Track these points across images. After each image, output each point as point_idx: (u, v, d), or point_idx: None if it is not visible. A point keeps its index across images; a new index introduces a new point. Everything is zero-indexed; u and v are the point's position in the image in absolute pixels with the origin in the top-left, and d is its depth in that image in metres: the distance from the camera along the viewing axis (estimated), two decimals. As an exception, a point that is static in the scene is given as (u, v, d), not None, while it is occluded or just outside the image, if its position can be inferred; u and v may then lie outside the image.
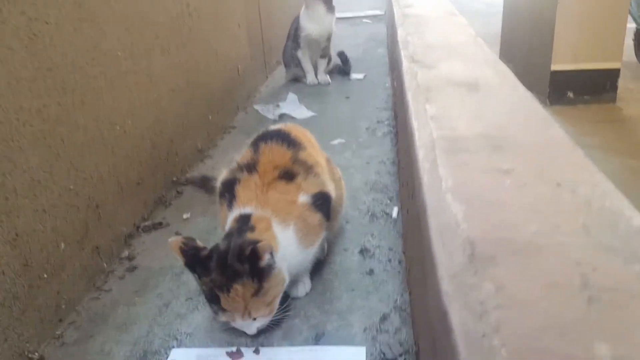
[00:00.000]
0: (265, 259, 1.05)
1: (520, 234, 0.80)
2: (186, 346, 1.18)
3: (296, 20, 3.20)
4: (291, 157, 1.30)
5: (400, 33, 2.25)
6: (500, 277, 0.70)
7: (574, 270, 0.72)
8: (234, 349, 1.14)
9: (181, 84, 1.99)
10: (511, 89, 1.45)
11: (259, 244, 1.05)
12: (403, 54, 1.89)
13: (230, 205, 1.24)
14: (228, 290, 1.05)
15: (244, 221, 1.15)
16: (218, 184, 1.35)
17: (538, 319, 0.63)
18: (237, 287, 1.05)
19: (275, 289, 1.12)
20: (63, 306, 1.26)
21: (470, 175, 0.98)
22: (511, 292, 0.68)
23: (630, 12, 4.24)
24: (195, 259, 1.09)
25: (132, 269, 1.47)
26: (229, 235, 1.13)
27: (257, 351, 1.14)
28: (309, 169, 1.30)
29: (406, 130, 1.37)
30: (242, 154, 1.36)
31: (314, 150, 1.40)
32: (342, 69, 3.41)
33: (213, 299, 1.08)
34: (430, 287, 0.78)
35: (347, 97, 2.95)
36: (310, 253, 1.26)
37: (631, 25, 4.44)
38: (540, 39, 4.13)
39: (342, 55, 3.41)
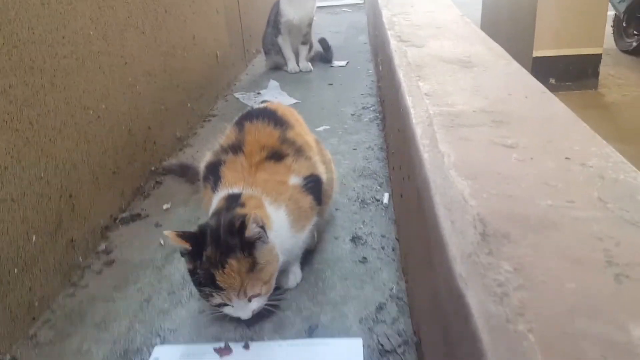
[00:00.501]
0: (254, 230, 0.98)
1: (534, 210, 0.74)
2: (170, 343, 1.10)
3: (276, 6, 3.11)
4: (279, 136, 1.22)
5: (385, 14, 2.18)
6: (518, 255, 0.64)
7: (596, 246, 0.66)
8: (222, 344, 1.07)
9: (158, 68, 1.89)
10: (505, 65, 1.39)
11: (248, 216, 0.98)
12: (390, 34, 1.82)
13: (215, 187, 1.16)
14: (223, 266, 0.97)
15: (234, 199, 1.08)
16: (201, 167, 1.27)
17: (564, 300, 0.57)
18: (232, 262, 0.98)
19: (270, 266, 1.04)
20: (36, 304, 1.17)
21: (473, 151, 0.92)
22: (531, 272, 0.61)
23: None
24: (198, 243, 1.01)
25: (110, 262, 1.38)
26: (216, 214, 1.06)
27: (246, 346, 1.06)
28: (298, 149, 1.23)
29: (399, 110, 1.30)
30: (226, 135, 1.28)
31: (302, 130, 1.32)
32: (324, 56, 3.33)
33: (208, 279, 0.99)
34: (439, 270, 0.71)
35: (330, 84, 2.88)
36: (301, 238, 1.19)
37: (610, 13, 4.44)
38: (521, 26, 4.10)
39: (323, 42, 3.33)
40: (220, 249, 0.98)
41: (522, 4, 4.07)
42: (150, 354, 1.06)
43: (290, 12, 3.00)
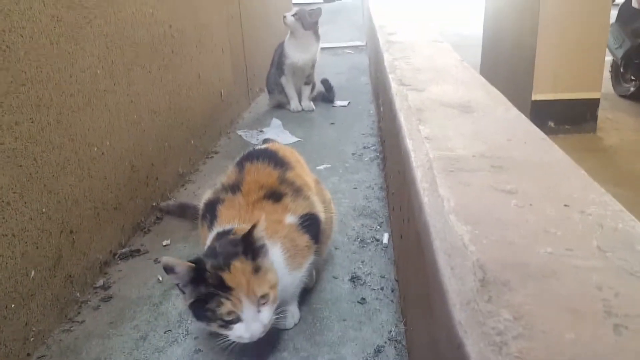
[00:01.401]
0: (259, 234, 1.03)
1: (533, 257, 0.74)
2: (165, 383, 1.08)
3: (280, 47, 3.17)
4: (278, 177, 1.23)
5: (387, 57, 2.22)
6: (518, 304, 0.64)
7: (596, 296, 0.66)
8: (218, 385, 1.05)
9: (163, 106, 1.92)
10: (504, 110, 1.41)
11: (255, 223, 1.02)
12: (391, 77, 1.85)
13: (211, 225, 1.17)
14: (229, 268, 0.99)
15: (225, 234, 1.09)
16: (201, 205, 1.28)
17: (563, 351, 0.57)
18: (236, 264, 1.00)
19: (272, 274, 1.05)
20: (31, 339, 1.16)
21: (473, 196, 0.92)
22: (531, 320, 0.61)
23: (607, 45, 4.31)
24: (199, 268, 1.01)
25: (108, 298, 1.37)
26: (210, 248, 1.07)
27: (243, 387, 1.05)
28: (297, 189, 1.24)
29: (399, 152, 1.31)
30: (227, 174, 1.29)
31: (302, 171, 1.34)
32: (326, 96, 3.37)
33: (216, 283, 0.99)
34: (438, 316, 0.71)
35: (332, 123, 2.91)
36: (297, 277, 1.18)
37: (608, 58, 4.51)
38: (520, 69, 4.16)
39: (325, 82, 3.38)
40: (224, 256, 1.01)
41: (521, 48, 4.14)
42: (144, 394, 1.05)
43: (295, 54, 3.06)
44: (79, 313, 1.31)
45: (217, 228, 1.14)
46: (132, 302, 1.35)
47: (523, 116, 1.37)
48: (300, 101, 3.20)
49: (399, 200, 1.38)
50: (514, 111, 1.41)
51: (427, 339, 0.86)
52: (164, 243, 1.63)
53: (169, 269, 1.00)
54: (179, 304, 1.34)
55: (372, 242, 1.60)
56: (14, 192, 1.12)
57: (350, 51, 5.56)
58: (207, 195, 1.30)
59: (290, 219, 1.18)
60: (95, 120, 1.44)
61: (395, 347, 1.15)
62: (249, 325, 1.01)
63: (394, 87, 1.74)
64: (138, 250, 1.59)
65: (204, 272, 1.00)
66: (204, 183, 2.10)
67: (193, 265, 1.00)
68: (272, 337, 1.18)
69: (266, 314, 1.03)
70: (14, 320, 1.11)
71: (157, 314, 1.30)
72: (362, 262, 1.49)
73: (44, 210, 1.22)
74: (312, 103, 3.22)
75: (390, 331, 1.20)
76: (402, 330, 1.20)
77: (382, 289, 1.36)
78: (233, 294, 0.99)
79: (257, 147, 1.37)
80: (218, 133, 2.65)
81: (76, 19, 1.36)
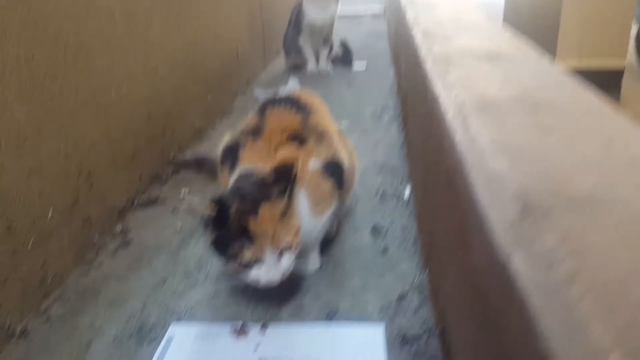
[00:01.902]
0: (296, 170, 1.00)
1: (577, 188, 0.70)
2: (186, 322, 1.07)
3: (298, 5, 3.10)
4: (301, 121, 1.20)
5: (410, 13, 2.15)
6: (564, 228, 0.60)
7: (646, 223, 0.62)
8: (239, 324, 1.03)
9: (180, 56, 1.88)
10: (536, 60, 1.36)
11: (290, 159, 1.00)
12: (415, 30, 1.80)
13: (232, 169, 1.13)
14: (256, 213, 0.96)
15: (249, 175, 1.05)
16: (219, 150, 1.25)
17: (619, 266, 0.53)
18: (265, 209, 0.96)
19: (296, 219, 1.03)
20: (49, 279, 1.14)
21: (508, 133, 0.88)
22: (578, 243, 0.57)
23: (635, 15, 4.18)
24: (222, 209, 0.97)
25: (126, 244, 1.35)
26: (236, 187, 1.03)
27: (264, 327, 1.03)
28: (320, 135, 1.20)
29: (425, 98, 1.27)
30: (246, 121, 1.26)
31: (325, 117, 1.30)
32: (344, 59, 3.31)
33: (240, 231, 0.95)
34: (478, 246, 0.68)
35: (350, 85, 2.85)
36: (320, 224, 1.15)
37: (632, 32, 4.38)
38: (543, 36, 4.06)
39: (344, 44, 3.31)
40: (251, 200, 0.97)
41: (545, 15, 4.03)
42: (165, 331, 1.03)
43: (314, 12, 2.99)
44: (96, 257, 1.30)
45: (240, 170, 1.11)
46: (150, 248, 1.34)
47: (556, 65, 1.32)
48: (317, 62, 3.14)
49: (423, 149, 1.34)
50: (546, 60, 1.35)
51: (459, 277, 0.83)
52: (182, 194, 1.61)
53: (191, 211, 0.97)
54: (197, 251, 1.32)
55: (393, 197, 1.56)
56: (31, 128, 1.09)
57: (368, 19, 5.46)
58: (225, 140, 1.27)
59: (314, 163, 1.14)
60: (112, 62, 1.41)
61: (418, 294, 1.12)
62: (268, 271, 0.98)
63: (419, 37, 1.68)
64: (156, 199, 1.57)
65: (227, 216, 0.97)
66: (220, 139, 2.07)
67: (214, 210, 0.96)
68: (292, 282, 1.15)
69: (286, 261, 1.00)
70: (32, 259, 1.09)
71: (175, 260, 1.28)
72: (383, 215, 1.46)
73: (61, 149, 1.19)
74: (329, 65, 3.16)
75: (413, 280, 1.17)
76: (424, 280, 1.17)
77: (404, 240, 1.33)
78: (256, 242, 0.96)
79: (279, 94, 1.33)
80: (234, 91, 2.61)
81: (94, -45, 1.32)
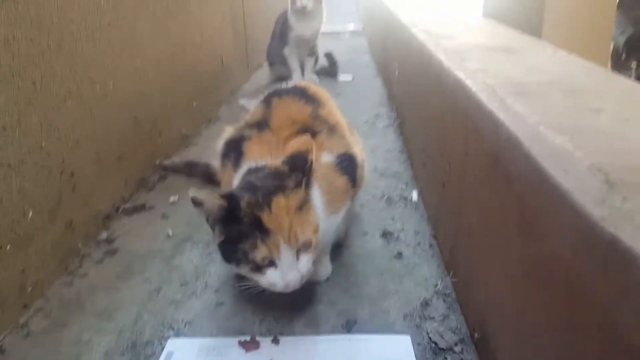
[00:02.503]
0: (312, 158, 0.90)
1: (656, 163, 0.61)
2: (186, 336, 0.94)
3: (283, 17, 3.01)
4: (311, 113, 1.09)
5: (403, 17, 2.08)
6: (662, 201, 0.51)
7: None
8: (247, 337, 0.91)
9: (166, 57, 1.77)
10: (552, 51, 1.29)
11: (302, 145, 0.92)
12: (415, 30, 1.72)
13: (236, 164, 1.02)
14: (269, 206, 0.84)
15: (258, 170, 0.93)
16: (220, 144, 1.14)
17: None
18: (279, 200, 0.85)
19: (315, 214, 0.91)
20: (29, 289, 1.01)
21: (555, 112, 0.79)
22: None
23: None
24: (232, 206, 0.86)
25: (112, 252, 1.22)
26: (246, 181, 0.91)
27: (276, 340, 0.91)
28: (331, 127, 1.10)
29: (445, 89, 1.18)
30: (251, 113, 1.15)
31: (334, 110, 1.20)
32: (330, 70, 3.23)
33: (253, 225, 0.84)
34: (560, 226, 0.58)
35: (339, 95, 2.77)
36: (334, 223, 1.04)
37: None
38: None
39: (329, 56, 3.24)
40: (263, 192, 0.85)
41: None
42: (162, 347, 0.91)
43: (301, 25, 2.89)
44: (80, 266, 1.16)
45: (247, 164, 0.99)
46: (141, 255, 1.21)
47: (575, 56, 1.25)
48: (303, 74, 3.05)
49: (441, 147, 1.25)
50: (563, 52, 1.28)
51: (506, 276, 0.73)
52: (171, 200, 1.48)
53: (197, 203, 0.85)
54: (193, 257, 1.19)
55: (400, 199, 1.47)
56: (10, 117, 0.97)
57: (348, 35, 5.43)
58: (227, 134, 1.15)
59: (327, 157, 1.04)
60: (98, 55, 1.29)
61: (444, 300, 1.02)
62: (285, 273, 0.85)
63: (422, 36, 1.61)
64: (143, 206, 1.44)
65: (237, 210, 0.85)
66: (207, 146, 1.95)
67: (224, 203, 0.85)
68: (304, 289, 1.04)
69: (305, 263, 0.88)
70: (9, 265, 0.96)
71: (170, 268, 1.16)
72: (392, 218, 1.36)
73: (43, 144, 1.07)
74: (315, 76, 3.08)
75: (436, 285, 1.07)
76: (449, 283, 1.07)
77: (418, 244, 1.23)
78: (271, 237, 0.84)
79: (284, 85, 1.23)
80: (219, 100, 2.50)
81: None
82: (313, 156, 0.90)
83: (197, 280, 1.11)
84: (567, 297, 0.56)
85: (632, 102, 0.87)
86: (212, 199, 0.84)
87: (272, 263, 0.86)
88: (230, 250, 0.87)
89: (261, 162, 0.97)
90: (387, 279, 1.10)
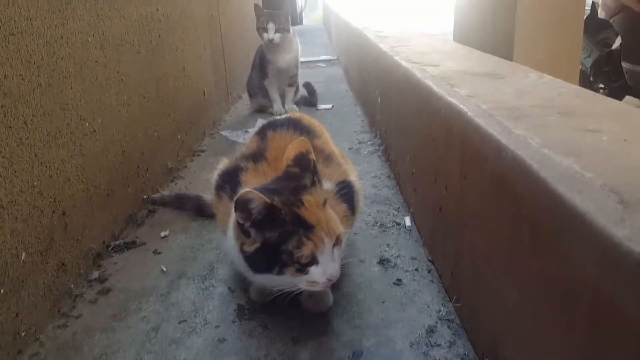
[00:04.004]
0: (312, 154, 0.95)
1: (664, 181, 0.63)
2: (190, 375, 0.91)
3: (261, 49, 3.04)
4: None
5: (384, 47, 2.12)
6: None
7: None
8: (256, 373, 0.89)
9: (151, 92, 1.76)
10: (537, 76, 1.32)
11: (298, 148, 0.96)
12: (398, 59, 1.75)
13: (232, 195, 1.01)
14: (302, 203, 0.88)
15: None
16: (215, 176, 1.13)
17: None
18: (308, 198, 0.89)
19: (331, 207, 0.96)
20: (23, 334, 0.97)
21: (556, 135, 0.81)
22: None
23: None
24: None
25: (105, 291, 1.19)
26: (263, 188, 0.92)
27: (284, 375, 0.89)
28: (327, 157, 1.11)
29: (437, 113, 1.20)
30: (246, 145, 1.15)
31: (329, 140, 1.21)
32: (309, 99, 3.25)
33: (295, 221, 0.87)
34: (574, 245, 0.58)
35: (321, 122, 2.78)
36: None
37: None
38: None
39: (308, 85, 3.26)
40: (290, 191, 0.90)
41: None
42: (168, 388, 0.88)
43: (277, 58, 2.91)
44: (74, 307, 1.13)
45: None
46: (135, 293, 1.18)
47: (561, 80, 1.28)
48: (283, 104, 3.06)
49: (431, 172, 1.26)
50: (548, 77, 1.32)
51: (521, 296, 0.73)
52: (162, 234, 1.46)
53: (243, 203, 0.85)
54: (190, 293, 1.17)
55: (393, 226, 1.47)
56: (2, 157, 0.94)
57: (322, 64, 5.49)
58: (221, 166, 1.15)
59: (326, 185, 1.04)
60: (86, 91, 1.28)
61: (449, 326, 1.02)
62: (326, 267, 0.88)
63: (406, 64, 1.63)
64: (134, 242, 1.41)
65: (277, 210, 0.86)
66: (194, 179, 1.94)
67: (269, 201, 0.86)
68: (305, 321, 1.03)
69: (338, 256, 0.92)
70: (3, 310, 0.92)
71: (167, 305, 1.13)
72: (388, 245, 1.36)
73: (35, 183, 1.04)
74: (295, 106, 3.09)
75: (439, 311, 1.06)
76: (451, 309, 1.06)
77: (416, 270, 1.23)
78: (315, 232, 0.87)
79: (278, 117, 1.23)
80: (202, 132, 2.49)
81: (66, -24, 1.21)
82: (313, 156, 0.95)
83: (195, 317, 1.08)
84: (592, 318, 0.56)
85: (626, 122, 0.89)
86: (259, 197, 0.84)
87: (314, 260, 0.88)
88: (267, 255, 0.88)
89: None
90: (389, 307, 1.09)
